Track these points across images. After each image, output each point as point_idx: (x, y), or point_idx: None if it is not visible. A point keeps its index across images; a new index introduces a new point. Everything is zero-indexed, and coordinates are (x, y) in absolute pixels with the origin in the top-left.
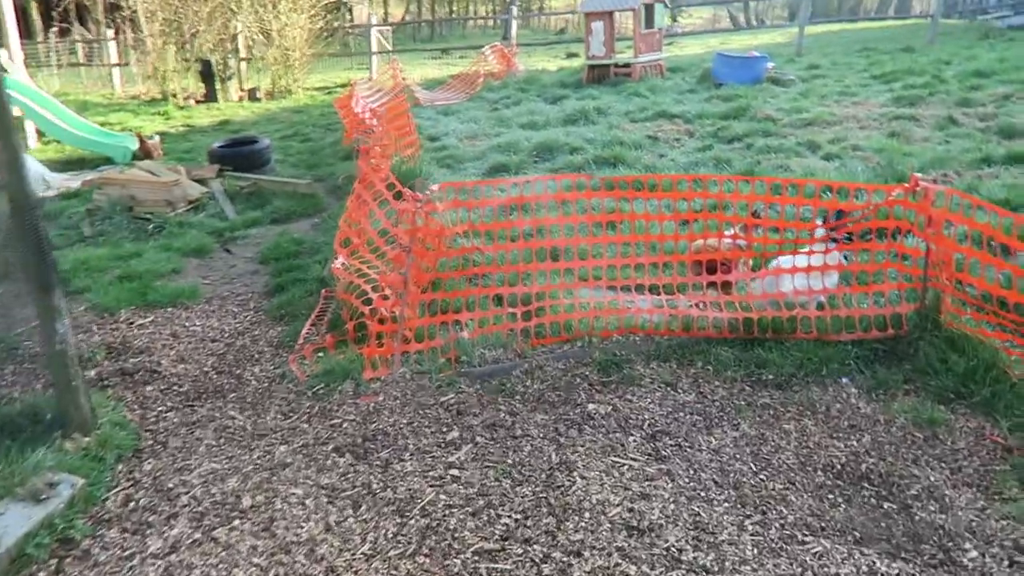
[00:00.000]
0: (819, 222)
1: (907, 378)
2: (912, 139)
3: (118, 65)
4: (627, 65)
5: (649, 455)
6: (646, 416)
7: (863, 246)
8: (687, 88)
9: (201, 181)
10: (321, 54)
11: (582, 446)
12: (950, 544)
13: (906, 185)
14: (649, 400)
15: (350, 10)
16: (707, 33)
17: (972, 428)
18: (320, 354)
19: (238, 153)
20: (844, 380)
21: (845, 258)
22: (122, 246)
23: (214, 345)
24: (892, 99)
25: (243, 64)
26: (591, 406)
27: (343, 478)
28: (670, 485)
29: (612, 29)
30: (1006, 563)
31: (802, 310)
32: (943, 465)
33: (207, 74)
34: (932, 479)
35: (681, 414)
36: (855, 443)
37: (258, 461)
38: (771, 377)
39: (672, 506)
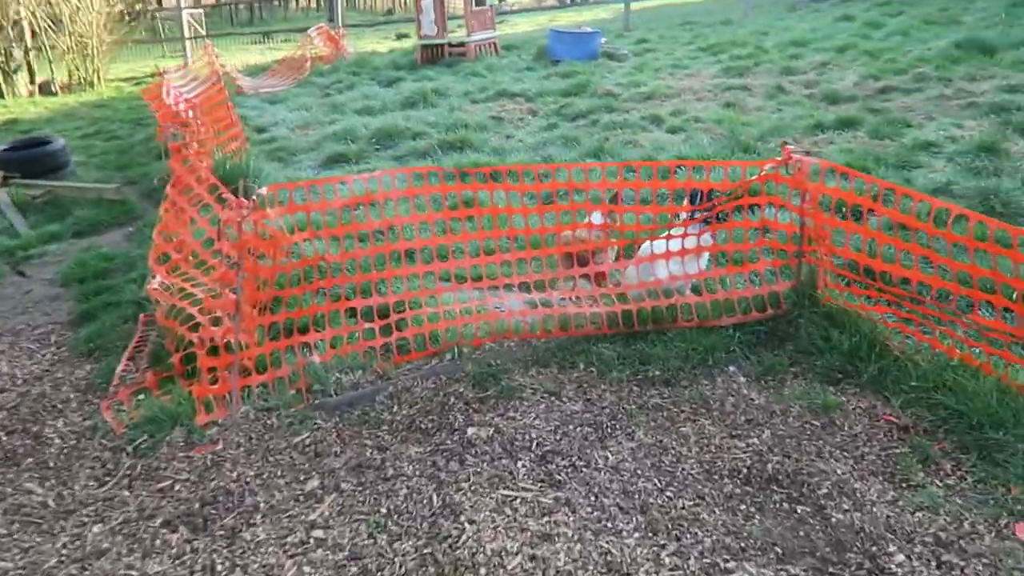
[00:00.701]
0: (686, 203)
1: (792, 360)
2: (747, 109)
3: None
4: (461, 44)
5: (543, 481)
6: (533, 435)
7: (734, 224)
8: (524, 66)
9: None
10: (124, 41)
11: (466, 481)
12: (874, 549)
13: (778, 159)
14: (533, 415)
15: None
16: (535, 11)
17: (865, 408)
18: (141, 397)
19: (27, 157)
20: (731, 368)
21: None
22: None
23: (3, 397)
24: (722, 70)
25: (32, 55)
26: (471, 430)
27: (177, 562)
28: (571, 518)
29: (443, 7)
30: (934, 564)
31: (680, 296)
32: (846, 455)
33: None
34: (839, 472)
35: (570, 427)
36: (756, 441)
37: (64, 551)
38: (658, 373)
39: (578, 546)
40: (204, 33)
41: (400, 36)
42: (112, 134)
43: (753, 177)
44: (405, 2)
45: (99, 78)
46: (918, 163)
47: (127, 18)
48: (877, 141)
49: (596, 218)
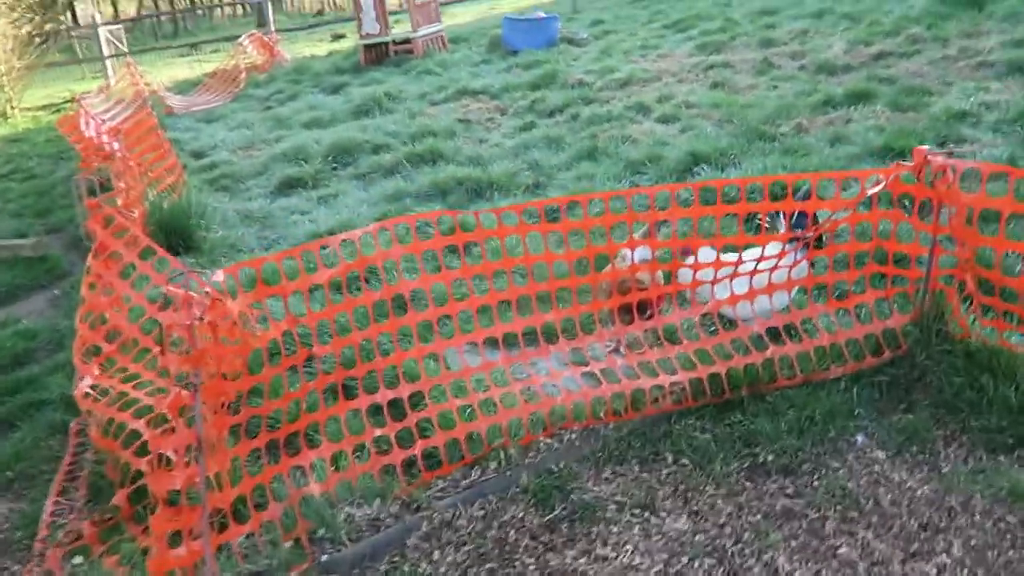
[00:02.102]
0: (783, 230)
1: (936, 419)
2: (738, 88)
3: None
4: (407, 41)
5: None
6: None
7: (836, 248)
8: (480, 59)
9: None
10: (36, 65)
11: None
12: None
13: (906, 163)
14: (629, 547)
15: (71, 8)
16: None
17: None
18: (78, 560)
19: None
20: (859, 439)
21: (812, 265)
22: None
23: None
24: (696, 48)
25: None
26: None
27: None
28: None
29: (383, 3)
30: None
31: (777, 347)
32: None
33: None
34: None
35: (684, 561)
36: (947, 559)
37: None
38: (772, 458)
39: None
40: (126, 50)
41: (336, 37)
42: (29, 172)
43: (874, 190)
44: (334, 0)
45: (12, 108)
46: (961, 136)
47: (38, 40)
48: (901, 114)
49: (641, 255)
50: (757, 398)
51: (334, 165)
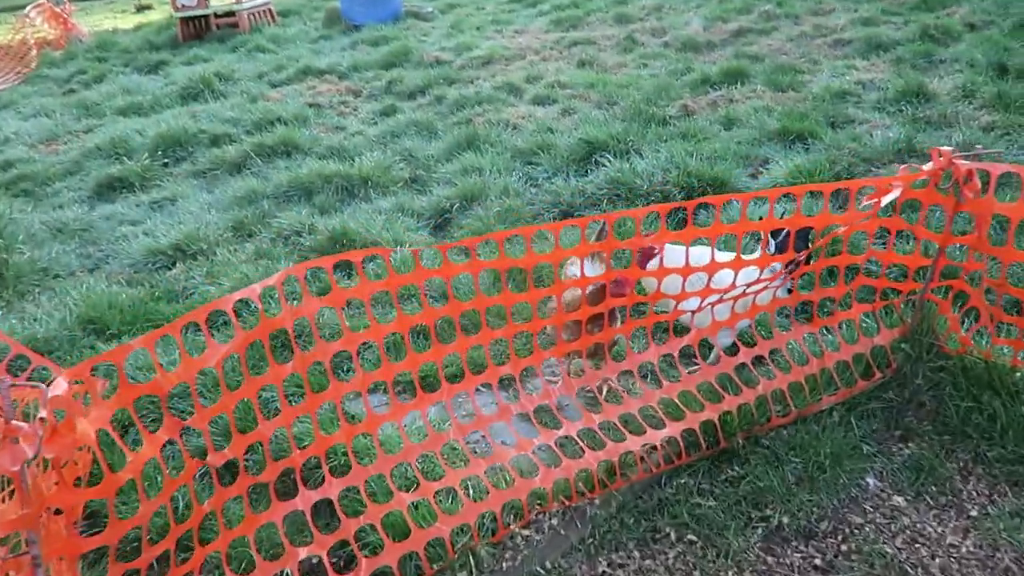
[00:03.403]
0: (765, 250)
1: (946, 450)
2: (607, 66)
3: None
4: (231, 14)
5: None
6: None
7: (825, 263)
8: (318, 34)
9: None
10: None
11: None
12: None
13: (924, 167)
14: None
15: None
16: None
17: None
18: None
19: None
20: (871, 483)
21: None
22: None
23: None
24: (551, 23)
25: None
26: None
27: None
28: None
29: None
30: None
31: (766, 380)
32: None
33: None
34: None
35: None
36: None
37: None
38: (786, 520)
39: None
40: None
41: (142, 8)
42: None
43: (889, 198)
44: None
45: None
46: (848, 116)
47: None
48: (781, 94)
49: (591, 269)
50: (752, 443)
51: (164, 161)
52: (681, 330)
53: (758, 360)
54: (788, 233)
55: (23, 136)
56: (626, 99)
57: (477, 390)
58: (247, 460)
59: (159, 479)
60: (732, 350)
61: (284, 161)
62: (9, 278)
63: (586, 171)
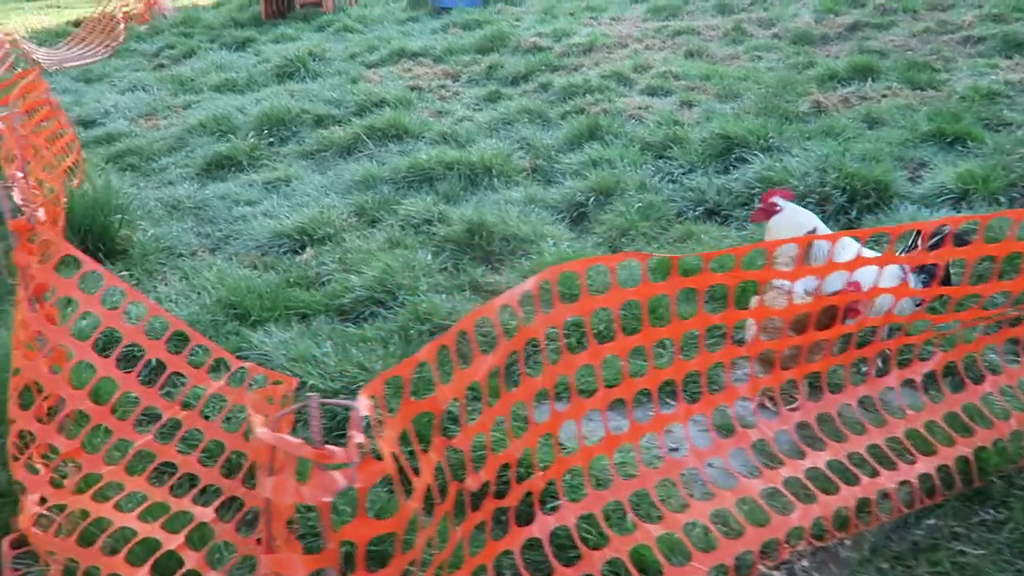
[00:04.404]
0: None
1: None
2: (717, 58)
3: None
4: None
5: None
6: None
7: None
8: (405, 16)
9: None
10: None
11: None
12: None
13: None
14: None
15: None
16: None
17: None
18: None
19: None
20: None
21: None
22: None
23: None
24: (649, 12)
25: None
26: None
27: None
28: None
29: None
30: None
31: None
32: None
33: None
34: None
35: None
36: None
37: None
38: None
39: None
40: None
41: None
42: None
43: None
44: None
45: None
46: (1004, 119)
47: None
48: (922, 92)
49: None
50: (1007, 482)
51: (270, 140)
52: (925, 355)
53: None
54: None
55: (122, 110)
56: (748, 93)
57: (693, 420)
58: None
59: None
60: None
61: (396, 145)
62: (135, 256)
63: (726, 167)
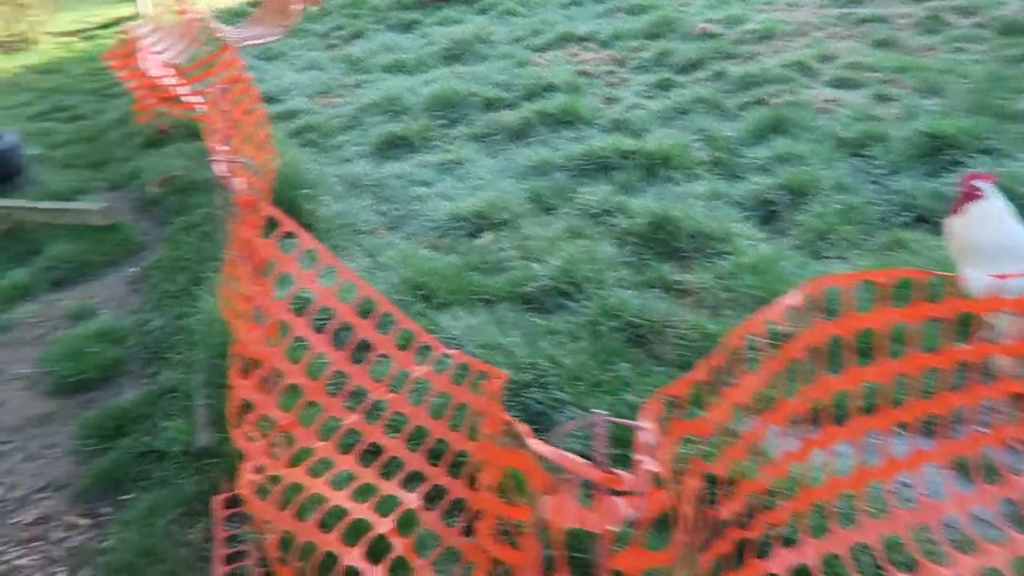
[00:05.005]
0: None
1: None
2: (911, 48)
3: None
4: None
5: None
6: None
7: None
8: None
9: None
10: None
11: None
12: None
13: None
14: None
15: None
16: None
17: None
18: None
19: None
20: None
21: None
22: None
23: None
24: None
25: None
26: None
27: None
28: None
29: None
30: None
31: None
32: None
33: None
34: None
35: None
36: None
37: None
38: None
39: None
40: None
41: None
42: (73, 112)
43: None
44: None
45: (41, 33)
46: None
47: None
48: None
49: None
50: None
51: (441, 121)
52: None
53: None
54: None
55: (301, 87)
56: (953, 88)
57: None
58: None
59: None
60: None
61: (568, 131)
62: (321, 231)
63: (936, 170)
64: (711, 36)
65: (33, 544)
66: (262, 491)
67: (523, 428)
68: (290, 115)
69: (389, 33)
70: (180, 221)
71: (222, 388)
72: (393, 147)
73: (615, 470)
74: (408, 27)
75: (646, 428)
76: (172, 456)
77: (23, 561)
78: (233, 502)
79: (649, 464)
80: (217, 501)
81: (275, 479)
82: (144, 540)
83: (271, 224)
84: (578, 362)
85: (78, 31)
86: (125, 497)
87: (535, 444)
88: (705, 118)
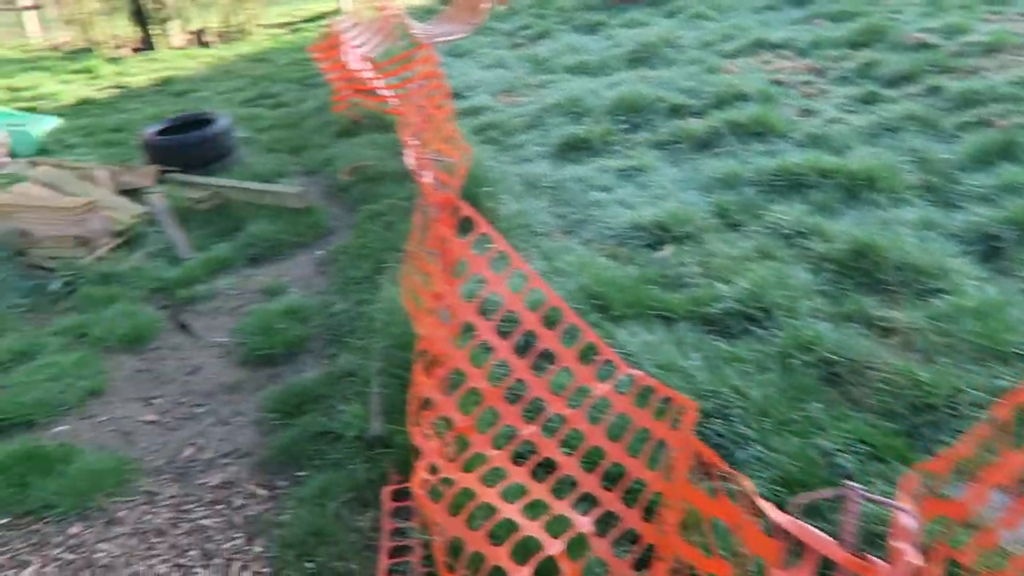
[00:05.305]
0: None
1: None
2: None
3: (30, 8)
4: None
5: None
6: None
7: None
8: (762, 4)
9: (133, 192)
10: None
11: None
12: None
13: None
14: None
15: None
16: None
17: None
18: None
19: (186, 143)
20: None
21: None
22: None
23: None
24: None
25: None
26: None
27: None
28: None
29: None
30: None
31: None
32: None
33: (139, 14)
34: None
35: None
36: None
37: None
38: None
39: None
40: None
41: None
42: (277, 99)
43: None
44: None
45: (255, 25)
46: None
47: None
48: None
49: None
50: None
51: (624, 126)
52: None
53: None
54: None
55: (485, 85)
56: None
57: None
58: None
59: None
60: None
61: (758, 143)
62: (500, 230)
63: None
64: (926, 47)
65: (217, 507)
66: (434, 492)
67: (748, 485)
68: (474, 112)
69: (574, 34)
70: (366, 209)
71: (397, 378)
72: (574, 149)
73: (868, 556)
74: (593, 28)
75: (907, 511)
76: (346, 440)
77: (208, 522)
78: (401, 495)
79: (912, 556)
80: (386, 492)
81: (447, 481)
82: (316, 520)
83: (464, 223)
84: (765, 396)
85: (286, 24)
86: (301, 474)
87: (769, 509)
88: (917, 137)
